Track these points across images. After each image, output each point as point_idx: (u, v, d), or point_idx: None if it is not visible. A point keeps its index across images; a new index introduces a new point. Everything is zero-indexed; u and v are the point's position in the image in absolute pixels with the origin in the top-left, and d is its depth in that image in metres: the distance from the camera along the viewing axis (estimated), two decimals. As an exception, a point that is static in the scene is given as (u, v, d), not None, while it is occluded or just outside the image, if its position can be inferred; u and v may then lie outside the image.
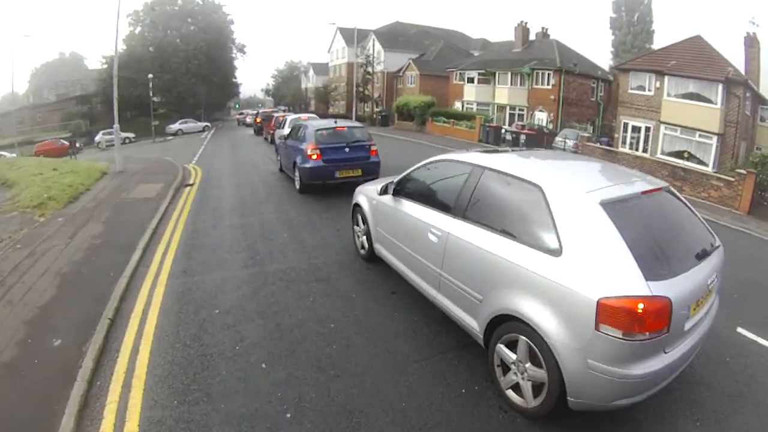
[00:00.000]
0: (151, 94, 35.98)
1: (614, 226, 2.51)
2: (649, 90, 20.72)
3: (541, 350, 2.61)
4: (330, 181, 8.64)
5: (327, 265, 5.41)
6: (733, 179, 12.89)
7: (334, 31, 50.19)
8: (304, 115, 17.21)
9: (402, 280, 4.49)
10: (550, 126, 25.99)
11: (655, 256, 2.54)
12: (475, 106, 30.99)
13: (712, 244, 3.05)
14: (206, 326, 4.00)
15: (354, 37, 38.18)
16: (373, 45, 43.98)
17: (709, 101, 18.75)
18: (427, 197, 4.03)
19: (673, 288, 2.42)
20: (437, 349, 3.64)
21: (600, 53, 31.30)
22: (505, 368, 2.95)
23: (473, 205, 3.36)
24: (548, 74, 27.07)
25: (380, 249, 4.89)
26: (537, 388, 2.73)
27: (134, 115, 40.95)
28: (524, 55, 29.45)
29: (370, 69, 41.96)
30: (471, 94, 31.42)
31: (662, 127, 20.17)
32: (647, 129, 20.94)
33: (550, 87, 27.04)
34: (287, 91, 63.45)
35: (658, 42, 41.69)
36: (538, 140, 22.05)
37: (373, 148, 8.96)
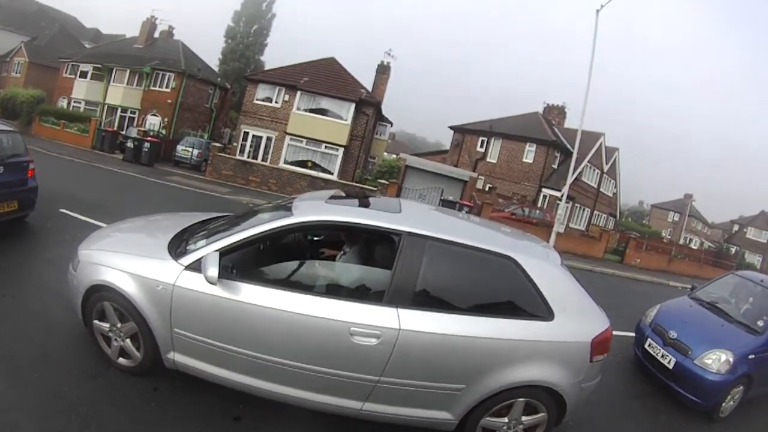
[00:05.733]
0: None
1: (573, 278, 3.14)
2: (277, 102, 22.03)
3: (544, 402, 2.92)
4: None
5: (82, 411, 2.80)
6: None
7: None
8: None
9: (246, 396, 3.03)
10: (164, 132, 24.64)
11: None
12: (83, 106, 27.20)
13: None
14: None
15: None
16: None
17: (339, 117, 21.31)
18: (312, 281, 3.12)
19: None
20: None
21: (209, 57, 31.48)
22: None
23: (424, 288, 2.85)
24: (170, 76, 25.85)
25: (191, 363, 3.01)
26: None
27: None
28: (147, 52, 27.52)
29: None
30: (81, 91, 27.37)
31: (288, 138, 21.60)
32: (269, 139, 22.13)
33: (169, 90, 25.86)
34: None
35: (270, 56, 45.53)
36: (159, 148, 20.28)
37: (32, 166, 6.19)
